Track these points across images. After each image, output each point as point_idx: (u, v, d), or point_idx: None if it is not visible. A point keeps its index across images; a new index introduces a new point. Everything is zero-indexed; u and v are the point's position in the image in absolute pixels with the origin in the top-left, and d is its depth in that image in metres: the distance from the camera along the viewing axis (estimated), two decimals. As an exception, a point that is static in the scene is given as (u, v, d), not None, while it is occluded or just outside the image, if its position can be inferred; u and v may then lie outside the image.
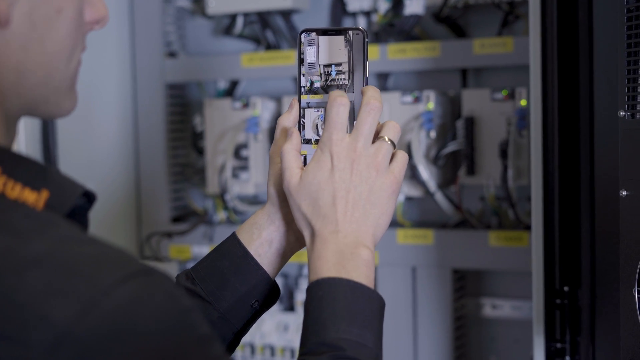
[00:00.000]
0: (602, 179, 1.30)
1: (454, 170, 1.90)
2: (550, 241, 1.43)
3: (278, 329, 2.05)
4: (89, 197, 0.76)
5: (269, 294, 1.03)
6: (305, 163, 1.00)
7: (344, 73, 0.99)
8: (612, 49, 1.23)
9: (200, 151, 2.14)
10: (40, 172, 0.72)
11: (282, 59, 1.99)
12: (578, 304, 1.40)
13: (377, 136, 0.95)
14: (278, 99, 2.03)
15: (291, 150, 0.97)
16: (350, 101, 0.98)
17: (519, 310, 1.94)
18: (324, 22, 2.05)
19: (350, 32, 0.98)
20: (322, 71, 0.99)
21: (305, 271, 2.09)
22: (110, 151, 2.17)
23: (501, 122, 1.81)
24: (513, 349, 1.96)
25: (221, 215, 2.13)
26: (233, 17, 2.10)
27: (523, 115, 1.78)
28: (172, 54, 2.17)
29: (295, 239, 1.03)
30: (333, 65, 0.99)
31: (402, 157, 0.97)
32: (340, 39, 0.99)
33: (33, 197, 0.70)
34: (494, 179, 1.82)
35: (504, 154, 1.79)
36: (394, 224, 1.97)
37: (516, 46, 1.79)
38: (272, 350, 2.05)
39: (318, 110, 0.99)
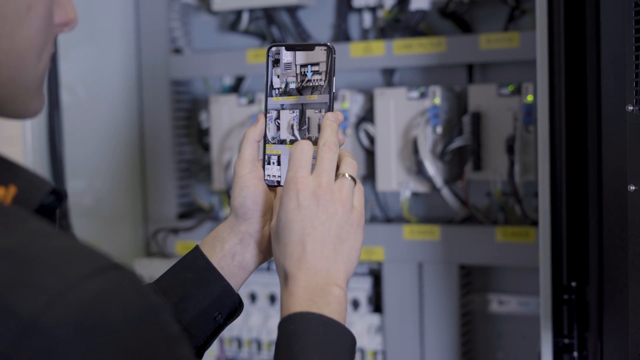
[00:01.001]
0: (610, 174, 1.29)
1: (460, 166, 1.89)
2: (557, 236, 1.43)
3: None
4: (58, 196, 0.75)
5: (232, 307, 1.02)
6: (279, 163, 1.01)
7: (320, 74, 0.98)
8: (620, 43, 1.23)
9: (206, 147, 2.14)
10: (8, 168, 0.72)
11: (288, 55, 1.99)
12: (586, 300, 1.40)
13: (336, 173, 0.95)
14: (284, 95, 2.03)
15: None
16: (325, 102, 0.98)
17: (525, 306, 1.94)
18: (329, 18, 2.05)
19: (317, 48, 0.98)
20: (298, 71, 0.99)
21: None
22: (116, 148, 2.17)
23: (508, 118, 1.80)
24: (520, 345, 1.96)
25: (227, 211, 2.13)
26: (238, 13, 2.09)
27: (529, 111, 1.78)
28: (177, 50, 2.17)
29: (258, 252, 1.02)
30: (309, 66, 0.99)
31: (360, 191, 0.97)
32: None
33: (1, 193, 0.69)
34: (500, 174, 1.82)
35: (510, 149, 1.78)
36: (400, 219, 1.97)
37: (522, 41, 1.79)
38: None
39: (293, 112, 0.99)
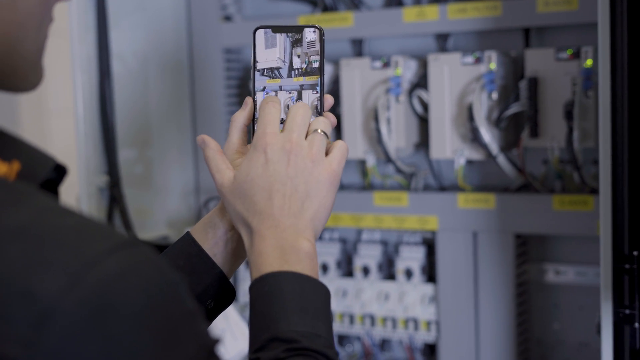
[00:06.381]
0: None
1: (516, 133, 1.85)
2: (618, 204, 1.39)
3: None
4: (60, 171, 0.73)
5: (224, 294, 1.00)
6: None
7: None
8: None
9: (257, 116, 2.12)
10: (10, 143, 0.69)
11: (340, 21, 1.96)
12: (648, 269, 1.36)
13: (308, 131, 0.95)
14: (336, 62, 2.00)
15: (215, 154, 0.96)
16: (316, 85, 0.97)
17: (583, 276, 1.90)
18: (381, -17, 2.01)
19: (306, 30, 0.97)
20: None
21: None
22: (167, 117, 2.17)
23: (566, 83, 1.76)
24: (577, 316, 1.93)
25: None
26: (289, -21, 2.07)
27: (589, 75, 1.73)
28: (227, 18, 2.16)
29: None
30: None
31: (340, 148, 0.95)
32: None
33: (4, 169, 0.67)
34: (558, 141, 1.77)
35: (569, 115, 1.74)
36: (455, 188, 1.94)
37: (582, 3, 1.74)
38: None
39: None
